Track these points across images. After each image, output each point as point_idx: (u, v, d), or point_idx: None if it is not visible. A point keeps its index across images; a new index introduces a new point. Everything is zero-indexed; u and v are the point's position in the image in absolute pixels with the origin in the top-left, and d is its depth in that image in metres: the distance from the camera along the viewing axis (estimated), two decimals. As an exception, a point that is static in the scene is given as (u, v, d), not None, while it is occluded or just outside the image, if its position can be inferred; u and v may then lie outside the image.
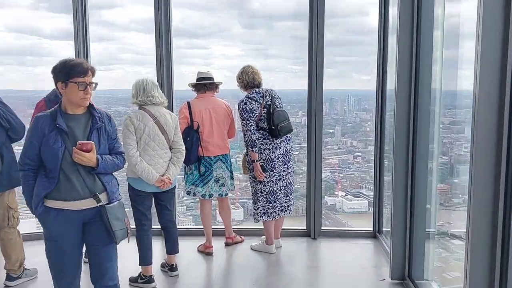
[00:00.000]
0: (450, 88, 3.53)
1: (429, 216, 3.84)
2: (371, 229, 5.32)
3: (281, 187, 4.66)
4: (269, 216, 4.67)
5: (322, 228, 5.30)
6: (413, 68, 3.68)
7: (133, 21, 6.48)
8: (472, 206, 2.34)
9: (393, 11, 4.51)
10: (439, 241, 3.99)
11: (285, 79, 6.31)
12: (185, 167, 4.64)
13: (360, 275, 4.27)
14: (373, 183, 5.34)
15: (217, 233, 4.98)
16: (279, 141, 4.59)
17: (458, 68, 3.49)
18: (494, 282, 2.31)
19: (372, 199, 5.33)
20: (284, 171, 4.64)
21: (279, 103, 4.65)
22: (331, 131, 6.42)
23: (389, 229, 5.00)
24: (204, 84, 4.64)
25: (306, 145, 5.21)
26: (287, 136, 4.66)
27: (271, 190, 4.62)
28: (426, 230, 3.88)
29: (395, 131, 3.87)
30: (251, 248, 4.91)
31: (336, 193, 6.18)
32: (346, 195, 6.10)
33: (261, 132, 4.53)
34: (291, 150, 4.75)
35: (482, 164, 2.31)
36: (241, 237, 5.12)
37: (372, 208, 5.34)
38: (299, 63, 4.98)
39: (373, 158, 5.27)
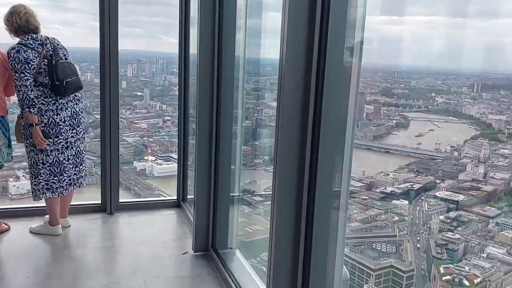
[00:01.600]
0: (253, 56, 3.55)
1: (233, 180, 3.71)
2: (175, 198, 5.02)
3: (69, 157, 3.93)
4: (54, 192, 3.91)
5: (120, 200, 4.75)
6: (216, 34, 3.46)
7: None
8: (277, 168, 2.17)
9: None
10: (242, 204, 3.94)
11: (86, 35, 5.82)
12: None
13: (161, 251, 3.87)
14: (177, 151, 5.02)
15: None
16: (66, 100, 3.83)
17: (261, 37, 3.52)
18: (299, 238, 2.22)
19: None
20: (72, 137, 3.91)
21: (64, 54, 3.87)
22: (139, 94, 6.11)
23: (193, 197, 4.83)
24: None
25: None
26: (75, 95, 3.91)
27: (56, 160, 3.86)
28: (231, 195, 3.76)
29: (198, 95, 3.60)
30: (30, 231, 4.07)
31: (145, 158, 5.94)
32: (156, 159, 5.91)
33: (42, 88, 3.70)
34: (82, 112, 4.02)
35: (287, 129, 2.15)
36: (7, 225, 4.13)
37: (177, 178, 5.03)
38: None
39: (177, 122, 4.96)
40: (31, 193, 3.95)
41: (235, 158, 3.69)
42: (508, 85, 2.62)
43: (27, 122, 3.69)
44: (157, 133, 6.13)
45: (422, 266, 2.77)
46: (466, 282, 2.51)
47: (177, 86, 5.76)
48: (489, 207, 2.56)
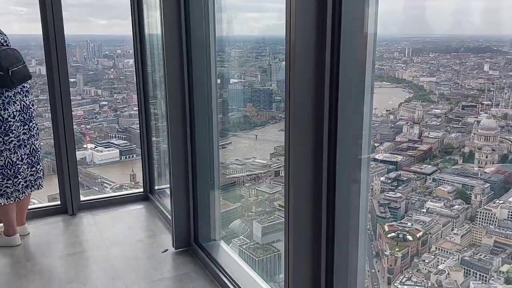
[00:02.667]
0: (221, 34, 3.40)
1: (212, 164, 3.47)
2: (142, 190, 4.70)
3: (23, 156, 3.51)
4: (9, 197, 3.50)
5: (82, 199, 4.38)
6: (181, 12, 3.17)
7: None
8: (291, 141, 1.95)
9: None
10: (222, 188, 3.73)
11: (8, 22, 5.40)
12: None
13: (138, 251, 3.57)
14: (139, 138, 4.69)
15: None
16: (13, 92, 3.39)
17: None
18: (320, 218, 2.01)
19: (138, 154, 4.93)
20: (25, 133, 3.49)
21: (5, 40, 3.42)
22: (72, 80, 5.74)
23: (162, 187, 4.57)
24: None
25: (47, 98, 4.21)
26: (23, 86, 3.48)
27: (8, 161, 3.43)
28: (210, 180, 3.52)
29: (167, 78, 3.31)
30: (-16, 244, 3.66)
31: (85, 146, 5.75)
32: (96, 147, 5.76)
33: (-18, 81, 3.25)
34: (33, 105, 3.58)
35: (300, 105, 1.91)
36: None
37: (142, 168, 4.70)
38: (25, 4, 4.18)
39: (137, 108, 4.63)
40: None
41: (212, 138, 3.43)
42: (436, 47, 2.77)
43: (-31, 121, 3.25)
44: (94, 120, 5.93)
45: (368, 226, 2.84)
46: (409, 237, 2.70)
47: (112, 70, 5.76)
48: (425, 165, 2.74)
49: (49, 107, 4.24)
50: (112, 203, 4.50)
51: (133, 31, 4.42)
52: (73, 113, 5.52)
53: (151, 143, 4.65)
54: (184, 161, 3.43)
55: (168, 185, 4.52)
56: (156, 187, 4.70)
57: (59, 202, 4.29)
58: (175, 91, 3.31)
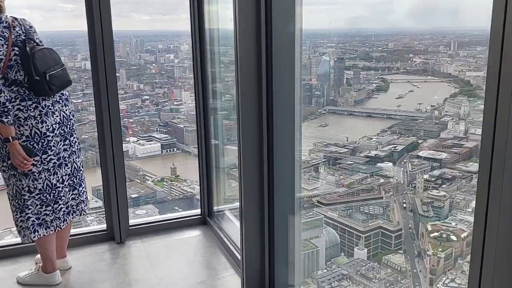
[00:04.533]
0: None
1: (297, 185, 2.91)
2: (199, 212, 4.17)
3: (64, 177, 3.02)
4: (48, 227, 3.01)
5: (131, 223, 3.88)
6: (262, 7, 2.67)
7: None
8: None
9: None
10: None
11: (56, 19, 5.43)
12: None
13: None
14: (197, 151, 4.19)
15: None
16: (51, 102, 2.90)
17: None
18: None
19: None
20: (65, 150, 3.00)
21: (39, 39, 2.94)
22: (115, 74, 5.86)
23: (221, 208, 4.07)
24: None
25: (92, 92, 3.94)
26: (62, 94, 2.98)
27: (47, 184, 2.94)
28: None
29: (240, 76, 2.74)
30: (18, 282, 3.18)
31: (127, 139, 5.82)
32: (138, 140, 5.89)
33: (16, 88, 2.77)
34: (73, 116, 3.09)
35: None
36: None
37: (200, 187, 4.17)
38: (72, 1, 4.15)
39: (194, 111, 4.17)
40: (16, 232, 3.05)
41: (293, 152, 2.87)
42: (483, 41, 2.67)
43: (1, 137, 2.77)
44: (136, 114, 5.99)
45: (410, 225, 2.95)
46: (453, 237, 2.68)
47: (154, 64, 5.95)
48: (472, 163, 2.69)
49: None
50: (164, 228, 4.00)
51: (191, 25, 3.97)
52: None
53: (210, 156, 4.11)
54: (258, 183, 2.87)
55: (227, 205, 4.05)
56: (214, 208, 4.16)
57: (104, 227, 3.80)
58: (249, 93, 2.77)
